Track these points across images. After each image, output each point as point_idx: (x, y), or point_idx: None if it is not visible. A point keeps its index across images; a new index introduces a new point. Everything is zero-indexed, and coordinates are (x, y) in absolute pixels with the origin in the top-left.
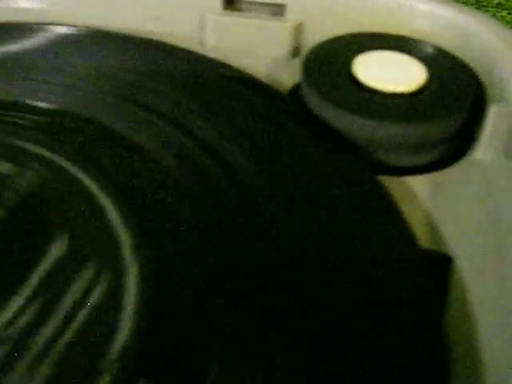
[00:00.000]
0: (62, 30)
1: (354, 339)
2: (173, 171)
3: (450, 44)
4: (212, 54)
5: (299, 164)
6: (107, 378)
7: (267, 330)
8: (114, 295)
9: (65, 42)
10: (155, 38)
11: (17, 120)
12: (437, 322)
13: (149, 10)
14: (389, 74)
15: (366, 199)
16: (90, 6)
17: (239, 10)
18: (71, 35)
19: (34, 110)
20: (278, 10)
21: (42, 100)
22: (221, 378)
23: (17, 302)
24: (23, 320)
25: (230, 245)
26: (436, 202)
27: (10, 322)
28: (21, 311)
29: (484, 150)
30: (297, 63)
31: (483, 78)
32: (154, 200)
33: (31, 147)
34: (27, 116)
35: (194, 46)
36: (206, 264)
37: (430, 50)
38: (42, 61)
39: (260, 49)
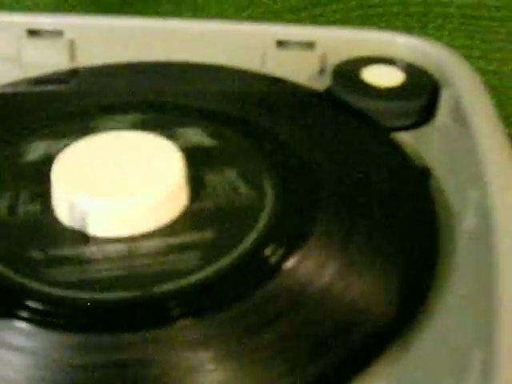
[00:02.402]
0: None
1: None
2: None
3: (419, 61)
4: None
5: (333, 127)
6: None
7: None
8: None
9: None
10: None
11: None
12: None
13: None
14: (381, 74)
15: (374, 140)
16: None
17: (286, 48)
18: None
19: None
20: (310, 45)
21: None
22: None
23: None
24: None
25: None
26: (416, 143)
27: None
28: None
29: (441, 116)
30: (323, 78)
31: (437, 77)
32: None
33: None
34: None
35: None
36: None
37: (405, 64)
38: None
39: (299, 70)
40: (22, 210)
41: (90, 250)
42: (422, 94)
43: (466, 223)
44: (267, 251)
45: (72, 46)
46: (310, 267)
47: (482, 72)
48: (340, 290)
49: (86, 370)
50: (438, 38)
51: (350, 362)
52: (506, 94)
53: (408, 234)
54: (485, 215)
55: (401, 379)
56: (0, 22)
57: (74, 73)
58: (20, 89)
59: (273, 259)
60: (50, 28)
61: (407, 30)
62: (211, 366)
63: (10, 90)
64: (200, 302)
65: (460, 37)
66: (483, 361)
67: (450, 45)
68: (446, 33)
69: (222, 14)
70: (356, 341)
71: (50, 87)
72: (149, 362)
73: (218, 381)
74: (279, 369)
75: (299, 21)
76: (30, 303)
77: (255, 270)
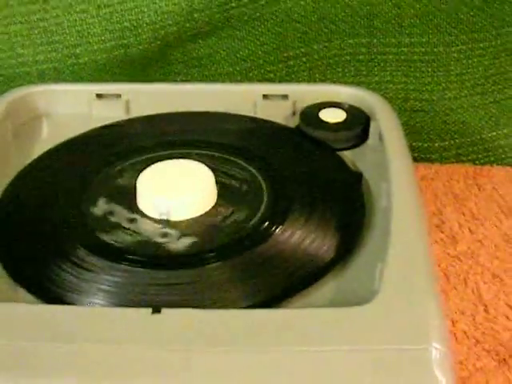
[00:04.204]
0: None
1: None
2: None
3: (356, 103)
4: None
5: (302, 150)
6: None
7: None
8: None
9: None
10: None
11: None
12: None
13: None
14: (332, 114)
15: (327, 157)
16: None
17: (269, 99)
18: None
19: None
20: (285, 97)
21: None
22: None
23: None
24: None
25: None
26: (354, 157)
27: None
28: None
29: (372, 139)
30: (295, 118)
31: (368, 113)
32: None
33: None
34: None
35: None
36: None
37: (347, 106)
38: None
39: (278, 114)
40: (118, 207)
41: (156, 226)
42: (358, 125)
43: (380, 203)
44: (264, 226)
45: (127, 104)
46: (287, 233)
47: (416, 100)
48: (304, 243)
49: (158, 287)
50: (382, 77)
51: (313, 276)
52: (437, 115)
53: (346, 209)
54: (389, 198)
55: (341, 286)
56: (77, 90)
57: (129, 122)
58: (95, 133)
59: (267, 230)
60: (111, 92)
61: (357, 72)
62: (229, 286)
63: (91, 133)
64: (224, 253)
65: (398, 75)
66: (380, 269)
67: (391, 82)
68: (388, 73)
69: (220, 69)
70: (318, 265)
71: (114, 132)
72: (195, 284)
73: (233, 293)
74: (271, 283)
75: (278, 71)
76: (131, 256)
77: (257, 236)
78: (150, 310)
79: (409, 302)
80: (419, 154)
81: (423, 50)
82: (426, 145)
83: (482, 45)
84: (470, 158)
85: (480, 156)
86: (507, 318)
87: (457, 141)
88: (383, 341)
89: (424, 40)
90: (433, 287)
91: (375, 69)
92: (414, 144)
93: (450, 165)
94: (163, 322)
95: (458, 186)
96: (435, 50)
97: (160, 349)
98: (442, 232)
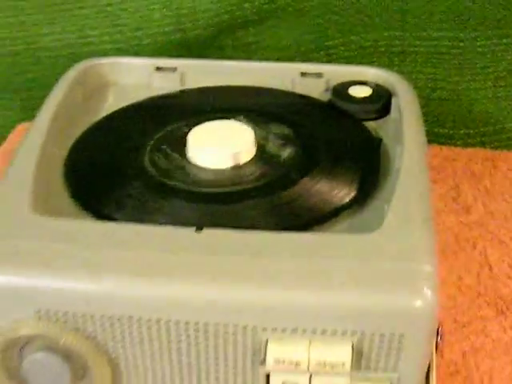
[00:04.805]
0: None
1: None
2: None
3: (381, 82)
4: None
5: (332, 119)
6: None
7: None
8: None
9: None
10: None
11: None
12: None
13: (268, 78)
14: (359, 90)
15: (353, 125)
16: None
17: (306, 76)
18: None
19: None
20: (319, 75)
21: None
22: None
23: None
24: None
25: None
26: (377, 127)
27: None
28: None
29: (393, 113)
30: (327, 94)
31: (391, 91)
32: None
33: None
34: None
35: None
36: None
37: (373, 84)
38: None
39: (313, 89)
40: (172, 155)
41: (207, 173)
42: (381, 100)
43: (395, 164)
44: (296, 173)
45: (182, 77)
46: (314, 180)
47: (443, 89)
48: (327, 187)
49: (203, 217)
50: (413, 68)
51: (333, 212)
52: (463, 104)
53: (365, 164)
54: (400, 159)
55: (355, 221)
56: (139, 63)
57: (183, 92)
58: (154, 100)
59: (298, 176)
60: (169, 66)
61: (391, 63)
62: (264, 217)
63: (149, 101)
64: (260, 192)
65: (428, 66)
66: (386, 208)
67: (421, 72)
68: (418, 64)
69: (266, 55)
70: (337, 204)
71: (170, 100)
72: (235, 214)
73: (267, 221)
74: (298, 216)
75: (319, 58)
76: (178, 192)
77: (286, 182)
78: (194, 228)
79: (406, 232)
80: (445, 140)
81: (451, 43)
82: (451, 132)
83: (505, 40)
84: (492, 145)
85: (502, 144)
86: (509, 276)
87: (480, 129)
88: (385, 259)
89: (452, 35)
90: (428, 221)
91: (407, 60)
92: (440, 130)
93: (472, 148)
94: (204, 237)
95: (477, 166)
96: (462, 44)
97: (199, 256)
98: (458, 204)
